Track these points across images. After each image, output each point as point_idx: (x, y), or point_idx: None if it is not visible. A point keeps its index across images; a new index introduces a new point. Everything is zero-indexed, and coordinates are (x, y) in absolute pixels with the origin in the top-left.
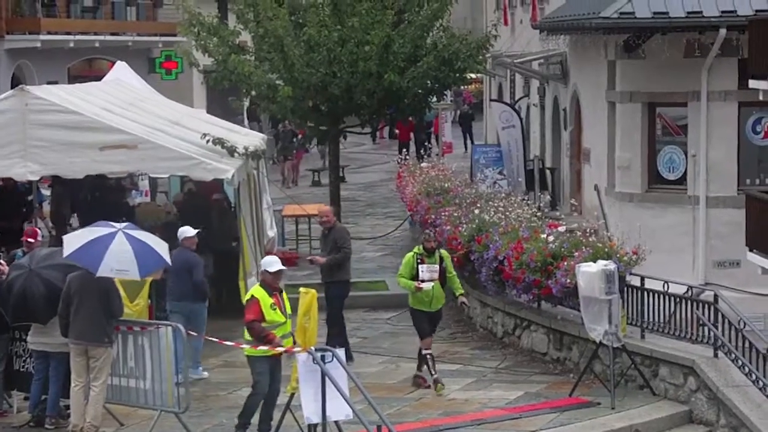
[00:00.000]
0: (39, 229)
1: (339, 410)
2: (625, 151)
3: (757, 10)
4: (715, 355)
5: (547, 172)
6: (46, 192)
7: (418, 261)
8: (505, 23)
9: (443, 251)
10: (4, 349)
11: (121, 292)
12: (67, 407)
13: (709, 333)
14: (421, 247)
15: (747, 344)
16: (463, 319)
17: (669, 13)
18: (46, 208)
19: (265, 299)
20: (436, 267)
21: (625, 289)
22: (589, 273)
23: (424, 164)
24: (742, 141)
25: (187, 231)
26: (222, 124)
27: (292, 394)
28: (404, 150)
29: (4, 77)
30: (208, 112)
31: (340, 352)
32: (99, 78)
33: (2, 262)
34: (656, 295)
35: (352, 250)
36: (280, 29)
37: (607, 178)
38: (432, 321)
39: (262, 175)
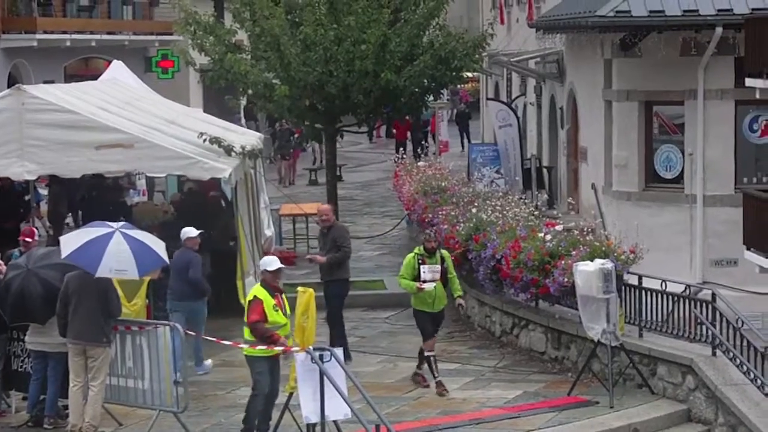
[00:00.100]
0: (36, 228)
1: (337, 409)
2: (622, 150)
3: (753, 9)
4: (714, 354)
5: (544, 170)
6: (44, 191)
7: (420, 262)
8: (502, 22)
9: (444, 251)
10: (2, 349)
11: (119, 292)
12: (66, 407)
13: (707, 332)
14: (421, 247)
15: (745, 343)
16: (461, 318)
17: (665, 11)
18: (44, 207)
19: (268, 300)
20: (438, 267)
21: (623, 287)
22: (587, 272)
23: (421, 163)
24: (739, 139)
25: (190, 231)
26: (219, 123)
27: (291, 394)
28: (401, 149)
29: (0, 76)
30: (204, 111)
31: (339, 352)
32: (95, 77)
33: (0, 262)
34: (654, 294)
35: (351, 249)
36: (276, 28)
37: (604, 177)
38: (435, 321)
39: (260, 174)
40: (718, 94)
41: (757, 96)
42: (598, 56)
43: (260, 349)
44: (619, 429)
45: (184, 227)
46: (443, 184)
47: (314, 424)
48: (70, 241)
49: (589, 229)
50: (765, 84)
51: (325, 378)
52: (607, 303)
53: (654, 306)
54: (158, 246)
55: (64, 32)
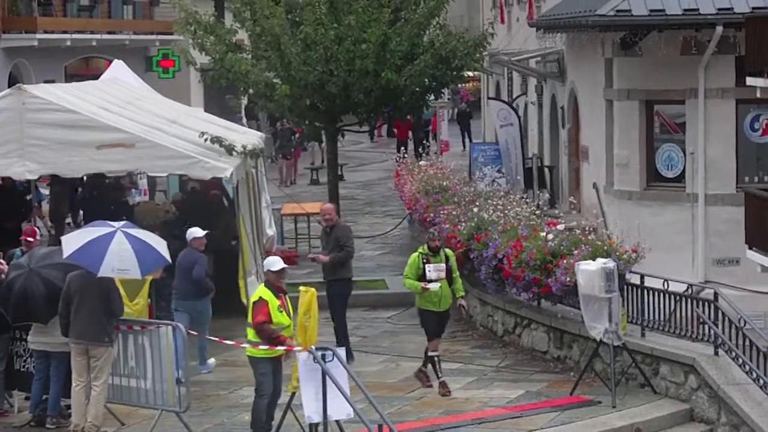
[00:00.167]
0: (38, 228)
1: (340, 409)
2: (624, 149)
3: (753, 8)
4: (716, 353)
5: (546, 170)
6: (45, 191)
7: (424, 261)
8: (502, 21)
9: (448, 250)
10: (4, 349)
11: (121, 292)
12: (68, 407)
13: (709, 331)
14: (425, 246)
15: (747, 342)
16: (463, 318)
17: (665, 10)
18: (45, 207)
19: (273, 301)
20: (443, 266)
21: (625, 287)
22: (589, 271)
23: (422, 162)
24: (740, 138)
25: (196, 232)
26: (220, 123)
27: (293, 394)
28: (402, 148)
29: (0, 76)
30: (205, 111)
31: (341, 351)
32: (96, 77)
33: (2, 261)
34: (656, 293)
35: (354, 249)
36: (276, 27)
37: (606, 176)
38: (441, 321)
39: (261, 173)
40: (719, 93)
41: (758, 95)
42: (599, 55)
43: (263, 350)
44: (621, 429)
45: (185, 227)
46: (445, 183)
47: (316, 424)
48: (72, 241)
49: (591, 229)
50: (766, 83)
51: (327, 378)
52: (610, 302)
53: (656, 305)
54: (160, 245)
55: (65, 32)
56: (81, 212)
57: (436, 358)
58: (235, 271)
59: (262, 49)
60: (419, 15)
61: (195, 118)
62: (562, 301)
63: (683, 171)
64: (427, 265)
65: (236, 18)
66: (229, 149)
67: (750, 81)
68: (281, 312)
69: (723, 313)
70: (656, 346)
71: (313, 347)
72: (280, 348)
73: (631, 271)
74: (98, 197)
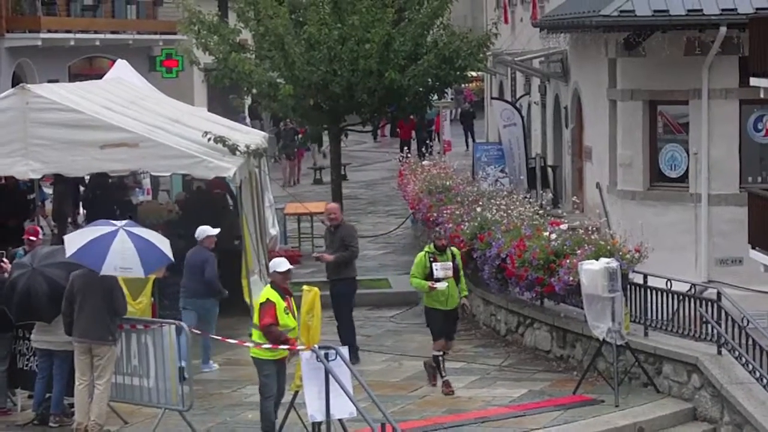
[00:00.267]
0: (41, 227)
1: (343, 408)
2: (627, 149)
3: (757, 8)
4: (719, 353)
5: (549, 170)
6: (48, 190)
7: (431, 260)
8: (506, 21)
9: (454, 248)
10: (7, 348)
11: (124, 290)
12: (71, 405)
13: (712, 330)
14: (432, 245)
15: (750, 342)
16: (466, 317)
17: (669, 11)
18: (48, 206)
19: (280, 303)
20: (450, 264)
21: (628, 286)
22: (592, 271)
23: (425, 162)
24: (744, 139)
25: (208, 229)
26: (223, 123)
27: (296, 392)
28: (406, 148)
29: (4, 76)
30: (209, 111)
31: (344, 350)
32: (100, 76)
33: (5, 260)
34: (659, 293)
35: (359, 248)
36: (280, 27)
37: (609, 176)
38: (448, 319)
39: (264, 173)
40: (723, 93)
41: (762, 95)
42: (603, 55)
43: (269, 352)
44: (624, 428)
45: (188, 226)
46: (448, 183)
47: (319, 423)
48: (75, 240)
49: (594, 228)
50: None
51: (330, 376)
52: (613, 302)
53: (659, 305)
54: (163, 244)
55: (68, 31)
56: (81, 212)
57: (440, 358)
58: (237, 270)
59: (265, 49)
60: (423, 15)
61: (198, 118)
62: (565, 300)
63: (686, 171)
64: (434, 264)
65: (240, 18)
66: (233, 149)
67: (754, 81)
68: (287, 314)
69: (726, 313)
70: (659, 346)
71: (316, 346)
72: (283, 347)
73: (634, 271)
74: (102, 197)
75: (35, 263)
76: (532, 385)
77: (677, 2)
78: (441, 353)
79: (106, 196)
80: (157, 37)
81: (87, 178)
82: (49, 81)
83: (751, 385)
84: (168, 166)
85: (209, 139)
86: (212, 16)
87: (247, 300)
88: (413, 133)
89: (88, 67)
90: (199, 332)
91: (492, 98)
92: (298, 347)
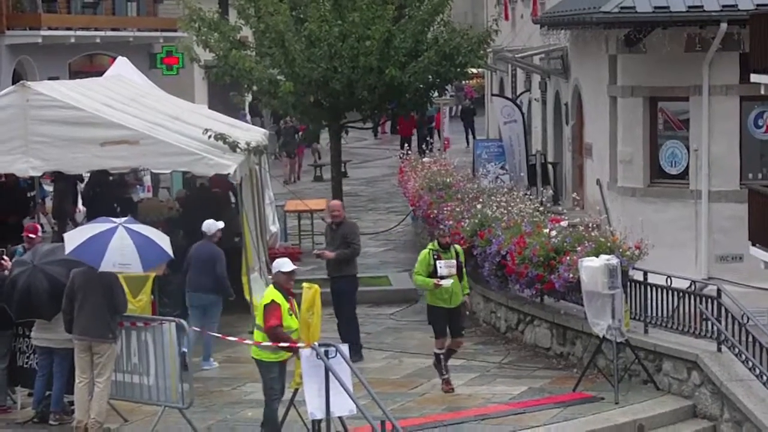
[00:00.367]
0: (41, 225)
1: (343, 406)
2: (627, 146)
3: (758, 5)
4: (719, 350)
5: (549, 166)
6: (49, 188)
7: (435, 257)
8: (506, 18)
9: (457, 246)
10: (7, 345)
11: (124, 288)
12: (71, 403)
13: (712, 327)
14: (435, 243)
15: (750, 339)
16: (466, 314)
17: (670, 7)
18: (49, 203)
19: (284, 304)
20: (454, 262)
21: (628, 283)
22: (592, 268)
23: (426, 159)
24: (744, 135)
25: (217, 224)
26: (223, 120)
27: (296, 390)
28: (406, 145)
29: (5, 73)
30: (209, 108)
31: (344, 348)
32: (100, 73)
33: (5, 257)
34: (659, 290)
35: (361, 246)
36: (281, 24)
37: (609, 173)
38: (452, 317)
39: (264, 170)
40: (723, 89)
41: (762, 92)
42: (603, 52)
43: (273, 355)
44: (624, 425)
45: (189, 223)
46: (448, 180)
47: (319, 420)
48: (74, 237)
49: (594, 225)
50: None
51: (330, 374)
52: (613, 299)
53: (659, 302)
54: (163, 240)
55: (69, 29)
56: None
57: (441, 356)
58: (238, 268)
59: (266, 46)
60: (423, 12)
61: (199, 115)
62: (565, 297)
63: (687, 168)
64: (438, 262)
65: (240, 15)
66: (233, 146)
67: (754, 78)
68: (291, 315)
69: (726, 310)
70: (659, 343)
71: (316, 344)
72: (285, 346)
73: (634, 268)
74: (102, 194)
75: (36, 260)
76: (532, 382)
77: None
78: (442, 351)
79: (106, 194)
80: (158, 34)
81: (86, 175)
82: (50, 78)
83: (751, 382)
84: (168, 164)
85: (210, 137)
86: (213, 13)
87: (247, 297)
88: (414, 130)
89: (88, 64)
90: (198, 329)
91: (492, 95)
92: (299, 344)
